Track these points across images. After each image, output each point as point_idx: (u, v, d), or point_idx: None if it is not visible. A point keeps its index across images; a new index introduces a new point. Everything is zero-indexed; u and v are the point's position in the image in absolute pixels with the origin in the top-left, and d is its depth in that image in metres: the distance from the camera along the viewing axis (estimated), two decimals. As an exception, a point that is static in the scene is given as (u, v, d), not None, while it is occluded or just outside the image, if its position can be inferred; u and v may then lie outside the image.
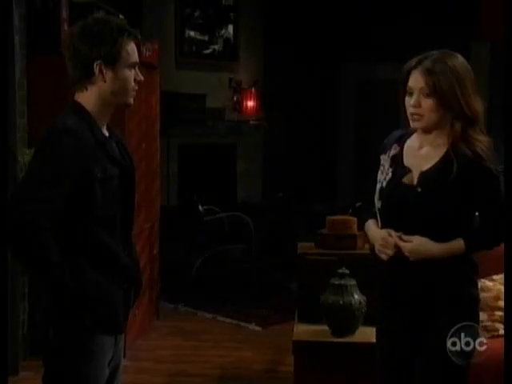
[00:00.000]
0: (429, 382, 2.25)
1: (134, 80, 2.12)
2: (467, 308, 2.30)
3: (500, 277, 3.56)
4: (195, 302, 5.58)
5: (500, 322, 3.38)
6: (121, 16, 3.69)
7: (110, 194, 2.05)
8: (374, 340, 3.23)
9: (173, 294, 5.63)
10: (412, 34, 7.58)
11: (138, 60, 2.14)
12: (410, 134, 2.33)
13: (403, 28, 7.63)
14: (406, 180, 2.23)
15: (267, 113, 7.56)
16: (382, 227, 2.27)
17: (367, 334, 3.32)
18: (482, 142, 2.18)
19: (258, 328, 5.07)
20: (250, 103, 7.39)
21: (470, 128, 2.18)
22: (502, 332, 3.36)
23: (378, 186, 2.28)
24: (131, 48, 2.11)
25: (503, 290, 3.44)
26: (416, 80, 2.21)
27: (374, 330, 3.28)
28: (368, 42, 7.62)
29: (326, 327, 3.37)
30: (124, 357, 2.28)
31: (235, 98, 7.32)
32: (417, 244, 2.19)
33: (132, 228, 2.21)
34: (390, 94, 8.82)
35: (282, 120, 7.66)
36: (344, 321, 3.31)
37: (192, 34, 7.13)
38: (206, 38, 7.26)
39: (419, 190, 2.20)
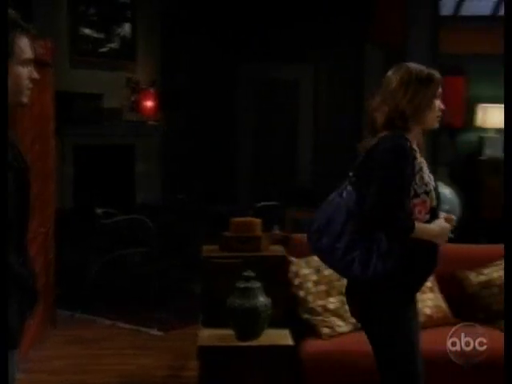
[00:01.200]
0: None
1: (29, 78, 1.97)
2: None
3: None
4: (93, 308, 5.39)
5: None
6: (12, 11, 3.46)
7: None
8: (279, 342, 3.26)
9: (70, 300, 5.41)
10: (309, 36, 7.69)
11: (32, 57, 1.99)
12: (407, 137, 2.43)
13: (301, 29, 7.72)
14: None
15: (166, 113, 7.44)
16: (429, 223, 2.42)
17: (272, 336, 3.31)
18: None
19: (159, 333, 4.95)
20: (149, 103, 7.24)
21: None
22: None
23: (430, 186, 2.44)
24: (24, 44, 1.96)
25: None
26: (440, 86, 2.50)
27: (284, 332, 3.29)
28: (267, 42, 7.65)
29: (231, 331, 3.31)
30: (17, 370, 2.14)
31: (133, 98, 7.15)
32: None
33: (27, 235, 2.06)
34: (288, 93, 8.93)
35: (182, 120, 7.55)
36: (250, 324, 3.26)
37: (87, 31, 6.90)
38: (102, 35, 7.04)
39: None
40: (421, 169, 2.42)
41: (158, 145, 7.51)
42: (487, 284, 3.58)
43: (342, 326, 3.44)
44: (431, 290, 3.59)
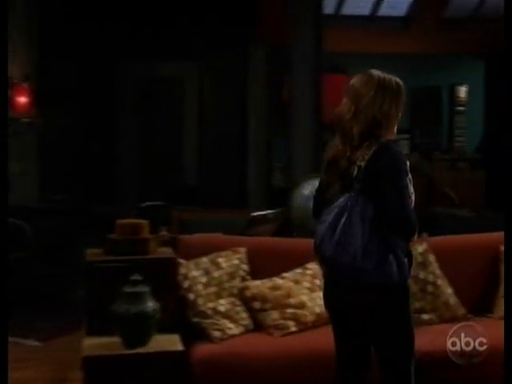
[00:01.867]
0: None
1: None
2: None
3: (290, 274, 3.64)
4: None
5: (291, 319, 3.44)
6: None
7: None
8: (168, 348, 3.17)
9: None
10: (194, 34, 7.61)
11: None
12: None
13: (186, 27, 7.63)
14: None
15: (41, 110, 7.12)
16: None
17: (161, 342, 3.22)
18: None
19: (38, 343, 4.72)
20: (22, 99, 6.90)
21: None
22: (294, 329, 3.43)
23: (411, 187, 2.55)
24: None
25: (293, 287, 3.56)
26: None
27: (173, 337, 3.21)
28: (150, 39, 7.50)
29: (117, 339, 3.18)
30: None
31: (5, 94, 6.79)
32: None
33: None
34: (173, 91, 8.82)
35: (61, 118, 7.27)
36: (137, 330, 3.15)
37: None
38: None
39: None
40: (409, 171, 2.55)
41: (33, 143, 7.19)
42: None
43: (232, 329, 3.40)
44: (321, 287, 3.60)
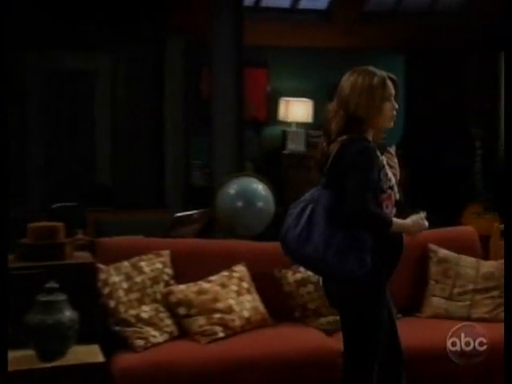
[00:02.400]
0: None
1: None
2: None
3: (216, 277, 3.61)
4: None
5: (219, 324, 3.41)
6: None
7: None
8: (88, 360, 3.08)
9: None
10: (107, 24, 7.44)
11: None
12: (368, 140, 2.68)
13: (98, 16, 7.44)
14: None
15: None
16: (396, 216, 2.67)
17: (81, 353, 3.12)
18: None
19: None
20: None
21: None
22: (221, 335, 3.40)
23: (393, 181, 2.67)
24: None
25: (220, 291, 3.53)
26: (393, 87, 2.72)
27: (93, 347, 3.12)
28: (58, 28, 7.27)
29: (32, 352, 3.06)
30: None
31: None
32: None
33: None
34: (84, 85, 8.51)
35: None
36: (54, 342, 3.03)
37: None
38: None
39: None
40: (384, 166, 2.65)
41: None
42: (303, 282, 3.67)
43: (156, 337, 3.34)
44: (248, 291, 3.61)
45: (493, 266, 3.83)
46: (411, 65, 8.10)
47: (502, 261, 3.85)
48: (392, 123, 2.73)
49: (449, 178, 7.18)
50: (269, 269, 3.72)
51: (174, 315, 3.45)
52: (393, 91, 2.72)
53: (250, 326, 3.51)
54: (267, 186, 4.11)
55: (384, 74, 2.73)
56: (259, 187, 4.06)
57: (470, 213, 6.49)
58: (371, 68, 2.73)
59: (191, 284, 3.52)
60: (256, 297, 3.63)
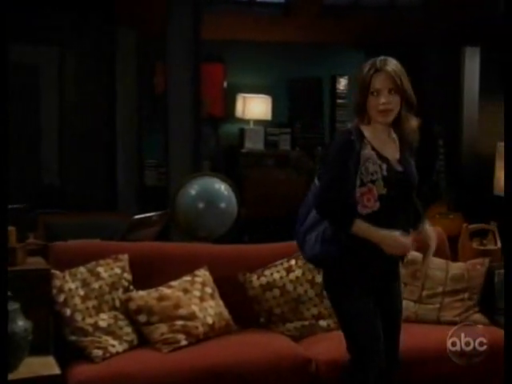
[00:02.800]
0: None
1: None
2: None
3: (178, 282, 3.55)
4: None
5: (181, 332, 3.35)
6: None
7: None
8: (42, 372, 2.99)
9: None
10: (53, 15, 7.28)
11: None
12: (356, 130, 2.79)
13: (42, 7, 7.28)
14: (396, 167, 2.80)
15: None
16: (382, 210, 2.73)
17: (34, 366, 3.04)
18: (413, 125, 2.83)
19: None
20: None
21: (409, 115, 2.81)
22: (184, 343, 3.34)
23: (377, 176, 2.74)
24: None
25: (182, 297, 3.47)
26: (384, 81, 2.75)
27: (48, 359, 3.04)
28: None
29: (-18, 364, 2.96)
30: None
31: None
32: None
33: None
34: (28, 80, 8.28)
35: None
36: (6, 354, 2.94)
37: None
38: None
39: (410, 173, 2.83)
40: (367, 160, 2.74)
41: None
42: (269, 286, 3.63)
43: (116, 346, 3.26)
44: (211, 296, 3.56)
45: (462, 268, 3.85)
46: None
47: (472, 261, 3.89)
48: (381, 119, 2.77)
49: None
50: (232, 273, 3.68)
51: (133, 323, 3.38)
52: (378, 85, 2.75)
53: (213, 333, 3.46)
54: (230, 185, 4.06)
55: (370, 66, 2.78)
56: (221, 187, 4.00)
57: (433, 213, 6.53)
58: (377, 58, 2.81)
59: (152, 290, 3.46)
60: (220, 302, 3.58)
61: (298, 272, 3.67)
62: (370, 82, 2.75)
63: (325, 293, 3.00)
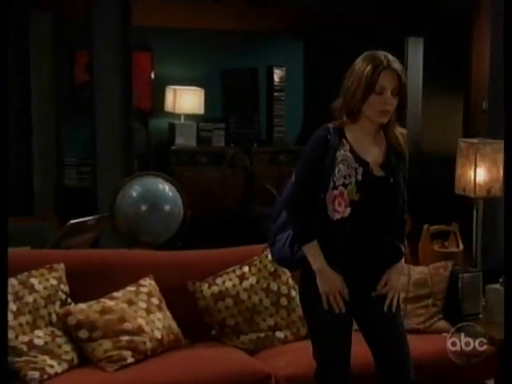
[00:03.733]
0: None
1: None
2: None
3: (121, 293, 3.46)
4: None
5: (127, 348, 3.26)
6: None
7: None
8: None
9: None
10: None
11: None
12: (337, 129, 2.78)
13: None
14: (376, 172, 2.76)
15: None
16: (353, 217, 2.72)
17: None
18: (402, 132, 2.85)
19: None
20: None
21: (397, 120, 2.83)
22: (130, 360, 3.26)
23: (350, 179, 2.71)
24: None
25: (127, 309, 3.38)
26: (391, 80, 2.72)
27: None
28: None
29: None
30: None
31: None
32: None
33: None
34: None
35: None
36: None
37: None
38: None
39: (391, 180, 2.77)
40: (341, 161, 2.73)
41: None
42: (221, 295, 3.58)
43: (54, 366, 3.15)
44: (159, 307, 3.49)
45: (424, 272, 3.89)
46: (309, 50, 8.18)
47: (435, 265, 3.94)
48: (380, 119, 2.76)
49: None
50: (180, 281, 3.61)
51: (73, 340, 3.28)
52: (386, 83, 2.71)
53: (162, 348, 3.39)
54: (175, 186, 3.98)
55: (383, 62, 2.73)
56: (166, 188, 3.93)
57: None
58: (377, 53, 2.76)
59: (93, 302, 3.36)
60: (167, 314, 3.51)
61: (252, 280, 3.63)
62: (378, 79, 2.71)
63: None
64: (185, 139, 7.44)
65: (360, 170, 2.73)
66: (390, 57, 2.75)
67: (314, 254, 2.75)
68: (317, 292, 2.78)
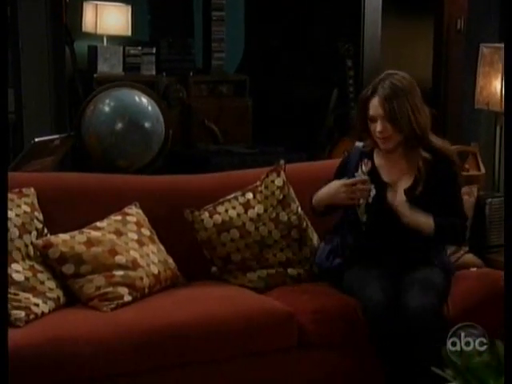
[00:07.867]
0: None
1: None
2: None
3: (106, 223, 3.42)
4: None
5: (123, 284, 3.22)
6: None
7: None
8: None
9: None
10: None
11: None
12: (369, 151, 3.36)
13: None
14: (389, 196, 3.26)
15: None
16: (366, 237, 3.34)
17: None
18: (425, 156, 3.30)
19: None
20: None
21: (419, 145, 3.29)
22: (128, 298, 3.22)
23: (362, 200, 3.24)
24: None
25: (116, 241, 3.34)
26: (377, 108, 3.22)
27: None
28: None
29: None
30: None
31: None
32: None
33: None
34: None
35: None
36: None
37: None
38: None
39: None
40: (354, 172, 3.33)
41: None
42: (225, 226, 3.53)
43: (39, 305, 3.09)
44: (151, 239, 3.46)
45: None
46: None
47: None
48: (381, 145, 3.30)
49: (312, 107, 7.28)
50: (171, 210, 3.58)
51: (57, 276, 3.22)
52: (372, 112, 3.24)
53: (159, 285, 3.38)
54: (155, 100, 3.92)
55: (374, 85, 3.24)
56: (144, 101, 3.85)
57: (342, 150, 6.67)
58: (379, 78, 3.27)
59: (75, 232, 3.30)
60: (161, 247, 3.49)
61: (259, 208, 3.60)
62: (367, 106, 3.23)
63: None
64: (109, 66, 7.25)
65: (372, 193, 3.24)
66: (385, 83, 3.21)
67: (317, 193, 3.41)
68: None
